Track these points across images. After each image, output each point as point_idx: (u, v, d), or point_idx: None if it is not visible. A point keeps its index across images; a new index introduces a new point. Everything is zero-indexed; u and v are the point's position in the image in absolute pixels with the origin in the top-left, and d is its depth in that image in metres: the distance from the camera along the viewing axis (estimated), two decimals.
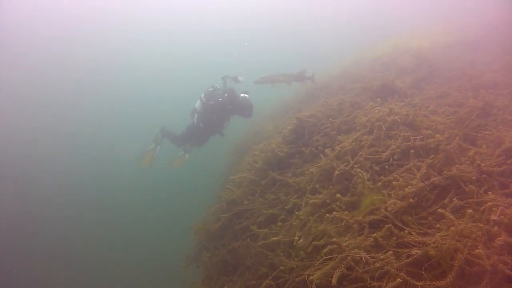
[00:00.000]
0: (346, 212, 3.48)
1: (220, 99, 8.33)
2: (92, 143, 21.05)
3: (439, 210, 2.91)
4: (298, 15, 22.97)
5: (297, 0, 22.12)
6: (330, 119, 4.97)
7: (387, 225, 3.09)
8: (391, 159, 3.91)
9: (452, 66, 6.86)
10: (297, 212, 3.90)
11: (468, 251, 2.43)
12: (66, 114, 22.35)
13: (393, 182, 3.49)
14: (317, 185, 4.12)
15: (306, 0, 21.75)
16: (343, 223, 3.40)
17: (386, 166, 3.85)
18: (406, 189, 3.34)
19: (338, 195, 3.66)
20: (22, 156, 19.81)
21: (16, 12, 21.72)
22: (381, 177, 3.76)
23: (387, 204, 3.28)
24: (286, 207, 4.20)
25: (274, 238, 3.85)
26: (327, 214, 3.51)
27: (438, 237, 2.70)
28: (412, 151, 3.78)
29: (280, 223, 4.07)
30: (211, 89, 8.63)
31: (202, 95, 8.66)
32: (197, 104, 8.80)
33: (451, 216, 2.82)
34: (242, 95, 8.38)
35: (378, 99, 4.94)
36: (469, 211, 2.67)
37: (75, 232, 15.44)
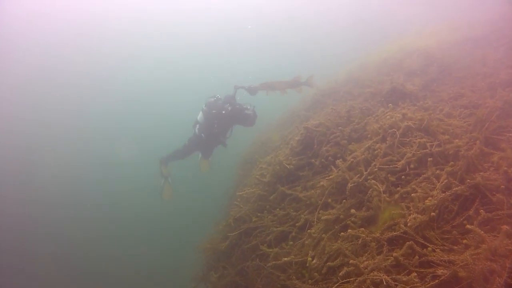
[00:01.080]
0: (362, 229, 3.22)
1: (224, 112, 8.13)
2: (92, 146, 20.92)
3: (467, 226, 2.64)
4: (299, 20, 22.79)
5: (297, 5, 21.93)
6: (340, 127, 4.71)
7: (408, 242, 2.83)
8: (407, 169, 3.65)
9: (462, 65, 6.59)
10: (309, 230, 3.64)
11: (508, 274, 2.15)
12: (66, 114, 22.26)
13: (412, 194, 3.22)
14: (329, 199, 3.86)
15: (306, 6, 21.56)
16: (360, 241, 3.14)
17: (403, 176, 3.58)
18: (427, 201, 3.07)
19: (352, 210, 3.39)
20: (25, 158, 19.70)
21: (15, 13, 21.69)
22: (398, 188, 3.49)
23: (407, 219, 3.02)
24: (297, 224, 3.94)
25: (286, 259, 3.59)
26: (342, 233, 3.24)
27: (467, 256, 2.44)
28: (430, 159, 3.51)
29: (292, 242, 3.81)
30: (212, 99, 8.40)
31: (204, 105, 8.48)
32: (199, 116, 8.61)
33: (481, 231, 2.54)
34: (249, 107, 8.12)
35: (390, 104, 4.68)
36: (505, 227, 2.39)
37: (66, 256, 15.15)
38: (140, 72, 24.80)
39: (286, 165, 4.64)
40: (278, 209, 4.41)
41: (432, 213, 2.95)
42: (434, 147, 3.73)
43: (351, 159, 3.98)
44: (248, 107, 8.07)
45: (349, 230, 3.23)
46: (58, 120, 21.87)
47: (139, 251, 14.70)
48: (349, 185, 3.67)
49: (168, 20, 25.29)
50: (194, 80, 25.04)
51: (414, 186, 3.38)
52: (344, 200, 3.67)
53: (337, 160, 4.11)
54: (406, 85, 5.76)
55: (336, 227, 3.53)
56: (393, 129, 4.06)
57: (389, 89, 5.67)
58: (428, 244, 2.81)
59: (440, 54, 7.32)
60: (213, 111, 8.22)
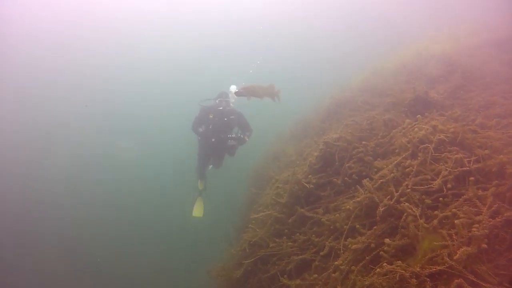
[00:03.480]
0: (399, 262, 2.80)
1: (220, 108, 8.46)
2: (92, 147, 20.72)
3: None
4: (306, 24, 22.42)
5: (304, 8, 21.55)
6: (364, 142, 4.30)
7: (456, 280, 2.41)
8: (445, 189, 3.24)
9: (488, 70, 6.16)
10: (336, 262, 3.23)
11: None
12: (65, 115, 22.09)
13: (455, 221, 2.81)
14: (357, 224, 3.46)
15: (314, 9, 21.17)
16: (397, 276, 2.73)
17: (440, 198, 3.16)
18: (473, 228, 2.66)
19: (386, 240, 2.98)
20: (27, 158, 19.51)
21: (14, 12, 21.59)
22: (436, 212, 3.08)
23: (452, 250, 2.61)
24: (321, 253, 3.52)
25: None
26: (376, 268, 2.82)
27: None
28: (471, 178, 3.10)
29: (316, 275, 3.39)
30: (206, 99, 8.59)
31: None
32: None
33: None
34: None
35: (419, 115, 4.26)
36: None
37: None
38: (140, 72, 24.64)
39: (305, 184, 4.23)
40: (298, 233, 4.00)
41: (483, 245, 2.53)
42: (472, 163, 3.32)
43: (380, 179, 3.57)
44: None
45: (383, 264, 2.81)
46: (59, 120, 21.73)
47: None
48: (380, 209, 3.25)
49: (168, 20, 25.04)
50: (194, 80, 24.96)
51: (454, 210, 2.96)
52: (375, 227, 3.25)
53: (364, 179, 3.69)
54: (430, 93, 5.34)
55: (366, 257, 3.12)
56: (425, 144, 3.65)
57: (412, 98, 5.25)
58: (481, 283, 2.39)
59: (462, 59, 6.90)
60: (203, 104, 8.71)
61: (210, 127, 8.35)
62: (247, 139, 8.50)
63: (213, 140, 8.46)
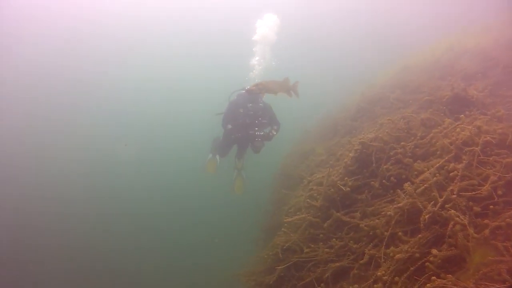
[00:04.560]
0: (449, 276, 2.62)
1: (250, 105, 8.04)
2: (93, 146, 20.89)
3: None
4: (333, 19, 22.01)
5: (332, 5, 21.13)
6: (402, 143, 4.10)
7: None
8: (495, 196, 3.03)
9: None
10: (378, 273, 3.06)
11: None
12: (66, 115, 22.30)
13: (510, 231, 2.61)
14: (399, 231, 3.28)
15: (343, 5, 20.74)
16: None
17: (491, 206, 2.96)
18: None
19: (434, 250, 2.80)
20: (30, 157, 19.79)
21: (14, 11, 21.76)
22: (486, 221, 2.88)
23: (510, 265, 2.42)
24: (361, 261, 3.36)
25: None
26: (427, 284, 2.64)
27: None
28: None
29: (356, 285, 3.23)
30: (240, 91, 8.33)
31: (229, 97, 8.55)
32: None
33: None
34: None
35: (462, 115, 4.03)
36: None
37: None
38: (139, 72, 24.69)
39: (341, 187, 4.06)
40: (334, 239, 3.84)
41: None
42: None
43: (422, 183, 3.38)
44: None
45: (432, 277, 2.63)
46: (57, 122, 21.97)
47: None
48: (425, 216, 3.07)
49: (169, 19, 24.93)
50: (194, 80, 24.94)
51: (509, 219, 2.76)
52: (419, 235, 3.07)
53: (405, 184, 3.50)
54: (469, 90, 5.08)
55: (411, 268, 2.95)
56: (470, 146, 3.44)
57: (450, 96, 5.01)
58: None
59: (500, 53, 6.57)
60: (234, 97, 8.39)
61: (239, 121, 8.05)
62: (275, 133, 8.13)
63: (239, 135, 8.24)
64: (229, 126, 8.11)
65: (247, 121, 7.91)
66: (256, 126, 7.97)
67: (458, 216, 2.91)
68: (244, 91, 7.75)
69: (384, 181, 3.96)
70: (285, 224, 4.47)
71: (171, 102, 24.18)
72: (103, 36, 24.19)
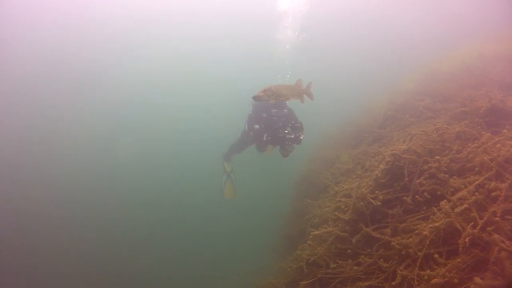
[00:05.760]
0: None
1: (274, 110, 7.56)
2: (93, 146, 20.92)
3: None
4: (354, 25, 21.70)
5: (357, 8, 20.83)
6: (437, 156, 3.90)
7: None
8: None
9: None
10: None
11: None
12: (65, 115, 22.39)
13: None
14: (434, 253, 3.09)
15: (370, 9, 20.42)
16: None
17: None
18: None
19: (477, 279, 2.60)
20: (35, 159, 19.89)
21: (14, 11, 21.87)
22: None
23: None
24: (393, 282, 3.18)
25: None
26: None
27: None
28: None
29: None
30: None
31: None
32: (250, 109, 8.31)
33: None
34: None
35: (505, 130, 3.80)
36: None
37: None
38: (139, 72, 24.70)
39: (372, 201, 3.88)
40: (362, 255, 3.66)
41: None
42: None
43: (461, 202, 3.19)
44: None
45: None
46: (57, 122, 22.08)
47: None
48: (465, 239, 2.88)
49: (169, 19, 24.83)
50: (194, 80, 24.87)
51: None
52: (458, 259, 2.88)
53: (442, 201, 3.31)
54: (508, 102, 4.84)
55: None
56: None
57: (487, 108, 4.77)
58: None
59: None
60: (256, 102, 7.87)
61: (263, 125, 7.77)
62: (302, 137, 7.81)
63: (264, 138, 7.92)
64: (256, 127, 7.83)
65: (279, 124, 7.54)
66: (282, 128, 7.64)
67: (504, 242, 2.72)
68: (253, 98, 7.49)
69: (417, 196, 3.77)
70: (311, 237, 4.30)
71: (177, 101, 24.18)
72: (106, 35, 24.30)
